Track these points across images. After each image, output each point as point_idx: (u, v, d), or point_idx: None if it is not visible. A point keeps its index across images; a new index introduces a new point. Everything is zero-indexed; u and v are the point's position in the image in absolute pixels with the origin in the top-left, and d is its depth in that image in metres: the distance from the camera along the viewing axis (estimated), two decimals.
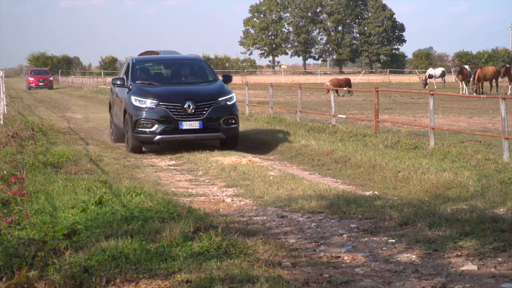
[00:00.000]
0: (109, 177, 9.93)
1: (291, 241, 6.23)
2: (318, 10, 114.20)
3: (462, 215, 6.47)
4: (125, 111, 14.30)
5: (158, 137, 13.62)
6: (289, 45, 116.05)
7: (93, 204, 7.12)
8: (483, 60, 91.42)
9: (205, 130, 13.67)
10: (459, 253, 5.38)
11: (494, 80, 38.06)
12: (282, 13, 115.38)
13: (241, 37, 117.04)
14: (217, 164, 11.95)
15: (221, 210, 8.27)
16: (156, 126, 13.61)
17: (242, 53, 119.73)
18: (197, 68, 15.64)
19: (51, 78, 64.55)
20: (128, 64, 15.59)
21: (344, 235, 6.34)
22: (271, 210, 7.90)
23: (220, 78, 15.40)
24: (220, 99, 13.95)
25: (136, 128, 13.72)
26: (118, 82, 14.82)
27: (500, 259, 5.17)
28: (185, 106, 13.54)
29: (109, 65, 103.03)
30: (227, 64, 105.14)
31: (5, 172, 9.04)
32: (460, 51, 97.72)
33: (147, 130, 13.65)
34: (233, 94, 14.44)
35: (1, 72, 23.71)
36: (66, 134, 18.32)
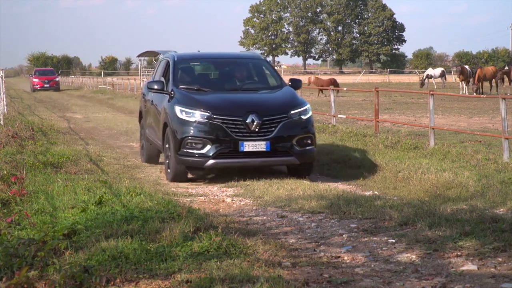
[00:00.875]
0: (109, 177, 9.93)
1: (291, 241, 6.23)
2: (318, 10, 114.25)
3: (462, 215, 6.47)
4: (165, 125, 10.79)
5: (211, 161, 10.15)
6: (289, 45, 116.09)
7: (93, 204, 7.12)
8: (483, 60, 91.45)
9: (273, 153, 10.29)
10: (459, 253, 5.38)
11: (494, 80, 38.09)
12: (282, 13, 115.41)
13: (241, 37, 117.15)
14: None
15: (221, 210, 8.27)
16: (208, 147, 10.15)
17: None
18: (256, 70, 12.09)
19: (57, 79, 58.14)
20: (167, 62, 12.04)
21: (344, 235, 6.34)
22: (271, 210, 7.90)
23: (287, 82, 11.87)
24: (292, 112, 10.51)
25: (181, 149, 10.28)
26: (156, 87, 11.24)
27: (500, 259, 5.17)
28: (247, 121, 10.13)
29: (109, 65, 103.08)
30: None
31: (5, 172, 9.04)
32: (460, 51, 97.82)
33: (196, 152, 10.18)
34: (308, 106, 10.90)
35: (1, 72, 23.70)
36: (66, 134, 18.32)
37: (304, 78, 48.27)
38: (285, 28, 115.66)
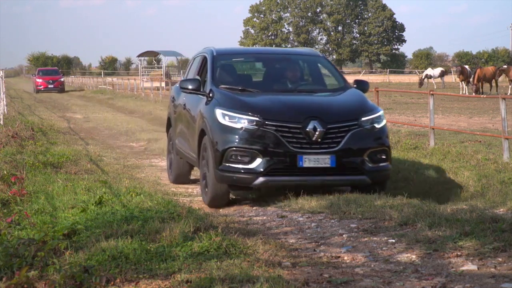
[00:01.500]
0: (109, 177, 9.93)
1: (291, 241, 6.23)
2: (318, 10, 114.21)
3: (462, 215, 6.47)
4: (201, 134, 8.85)
5: (261, 179, 8.22)
6: (289, 45, 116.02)
7: (93, 204, 7.12)
8: (483, 60, 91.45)
9: (339, 170, 8.39)
10: (459, 253, 5.38)
11: (493, 80, 38.09)
12: (282, 13, 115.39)
13: (241, 37, 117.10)
14: None
15: (221, 210, 8.27)
16: (258, 160, 8.21)
17: None
18: (313, 69, 10.14)
19: (62, 79, 54.46)
20: (204, 58, 10.08)
21: (344, 235, 6.34)
22: (271, 210, 7.90)
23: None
24: (363, 118, 8.57)
25: (223, 163, 8.30)
26: (190, 86, 9.26)
27: (500, 259, 5.17)
28: (308, 129, 8.21)
29: (109, 65, 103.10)
30: None
31: (5, 172, 9.05)
32: (460, 51, 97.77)
33: (243, 167, 8.24)
34: (381, 112, 8.97)
35: (1, 72, 23.71)
36: (66, 134, 18.33)
37: None
38: (285, 28, 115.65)
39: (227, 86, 9.15)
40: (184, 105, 10.00)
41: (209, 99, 8.90)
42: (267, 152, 8.20)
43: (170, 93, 11.42)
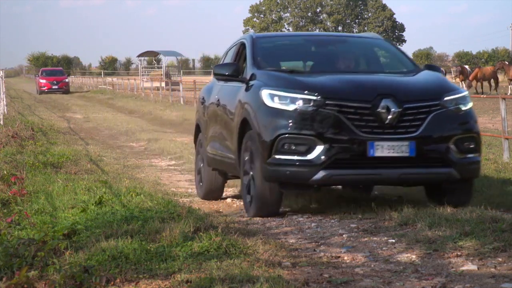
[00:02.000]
0: (109, 177, 9.94)
1: (291, 241, 6.23)
2: (318, 10, 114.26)
3: (462, 215, 6.47)
4: (243, 125, 7.40)
5: (322, 173, 6.77)
6: None
7: (93, 204, 7.12)
8: (483, 60, 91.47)
9: (420, 160, 6.95)
10: (459, 253, 5.38)
11: (493, 79, 38.14)
12: (282, 13, 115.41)
13: None
14: None
15: (221, 210, 8.27)
16: (318, 149, 6.75)
17: None
18: (375, 55, 8.64)
19: (67, 80, 51.27)
20: (242, 45, 8.57)
21: (344, 235, 6.34)
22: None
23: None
24: (446, 98, 7.16)
25: (272, 155, 6.88)
26: (227, 72, 7.92)
27: (500, 259, 5.17)
28: (379, 109, 6.77)
29: (109, 65, 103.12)
30: None
31: (5, 172, 9.05)
32: (460, 51, 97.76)
33: (298, 158, 6.81)
34: (466, 92, 7.81)
35: (1, 72, 23.71)
36: (66, 134, 18.34)
37: None
38: (285, 28, 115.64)
39: (272, 69, 7.76)
40: (218, 101, 8.42)
41: (249, 84, 7.49)
42: (329, 139, 6.71)
43: (199, 95, 9.74)
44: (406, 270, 5.06)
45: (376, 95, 6.85)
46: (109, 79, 60.68)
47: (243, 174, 7.44)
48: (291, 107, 6.90)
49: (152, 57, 67.36)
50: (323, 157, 6.74)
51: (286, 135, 6.85)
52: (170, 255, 5.24)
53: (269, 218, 7.45)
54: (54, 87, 48.93)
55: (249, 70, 7.77)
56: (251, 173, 7.21)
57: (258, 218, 7.45)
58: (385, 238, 6.10)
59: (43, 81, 49.51)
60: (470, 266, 5.03)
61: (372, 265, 5.26)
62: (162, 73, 54.53)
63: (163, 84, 42.27)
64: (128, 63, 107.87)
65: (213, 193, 9.07)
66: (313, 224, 6.93)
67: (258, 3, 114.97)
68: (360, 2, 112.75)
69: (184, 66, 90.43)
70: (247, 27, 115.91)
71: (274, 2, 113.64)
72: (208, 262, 5.07)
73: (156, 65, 67.23)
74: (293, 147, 6.83)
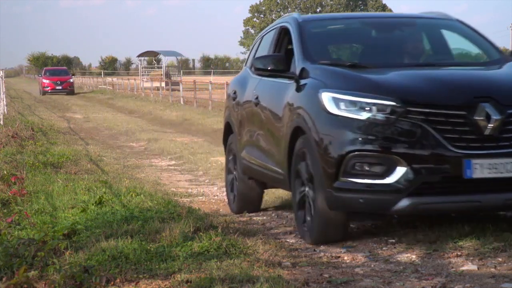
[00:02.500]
0: (109, 177, 9.94)
1: (291, 241, 6.23)
2: (318, 10, 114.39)
3: (462, 215, 6.47)
4: (294, 135, 6.01)
5: (406, 202, 5.28)
6: None
7: (93, 204, 7.12)
8: None
9: None
10: (459, 253, 5.38)
11: None
12: (282, 13, 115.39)
13: (241, 37, 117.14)
14: (217, 164, 11.95)
15: (221, 210, 8.27)
16: (400, 171, 5.28)
17: (242, 53, 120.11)
18: (446, 40, 7.00)
19: (71, 80, 48.56)
20: (283, 30, 7.09)
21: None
22: (271, 210, 7.90)
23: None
24: None
25: (340, 178, 5.43)
26: (270, 66, 6.42)
27: (500, 259, 5.17)
28: (477, 117, 5.26)
29: (109, 65, 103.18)
30: (227, 64, 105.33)
31: (5, 172, 9.05)
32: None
33: (374, 182, 5.34)
34: None
35: (1, 72, 23.72)
36: (66, 134, 18.35)
37: None
38: None
39: (328, 62, 6.27)
40: (257, 99, 6.98)
41: (300, 82, 6.07)
42: (413, 157, 5.23)
43: (229, 88, 8.35)
44: (406, 270, 5.06)
45: (472, 98, 5.31)
46: (109, 79, 60.68)
47: (295, 195, 6.08)
48: (362, 116, 5.34)
49: (152, 57, 67.40)
50: (406, 180, 5.23)
51: (358, 153, 5.31)
52: (170, 255, 5.24)
53: (269, 218, 7.45)
54: (58, 87, 46.58)
55: (298, 64, 6.24)
56: (310, 195, 5.80)
57: (258, 218, 7.45)
58: (385, 238, 6.10)
59: (46, 81, 47.13)
60: (470, 266, 5.03)
61: (372, 265, 5.26)
62: (162, 73, 54.55)
63: (163, 84, 42.28)
64: (128, 63, 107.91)
65: (249, 206, 7.80)
66: None
67: (258, 3, 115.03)
68: (360, 2, 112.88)
69: (184, 66, 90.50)
70: (247, 27, 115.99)
71: (274, 2, 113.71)
72: (208, 262, 5.07)
73: (156, 65, 67.26)
74: (367, 168, 5.31)
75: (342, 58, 6.92)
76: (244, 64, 8.43)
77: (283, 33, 7.07)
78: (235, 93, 7.91)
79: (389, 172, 5.26)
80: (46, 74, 48.31)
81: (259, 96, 6.98)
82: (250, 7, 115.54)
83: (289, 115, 6.11)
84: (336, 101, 5.52)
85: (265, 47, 7.53)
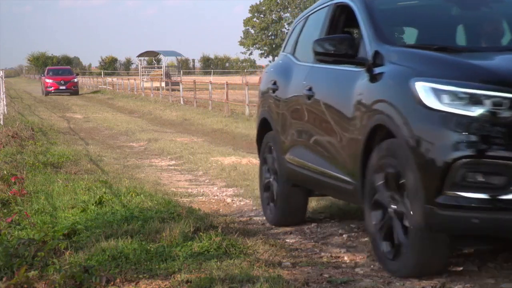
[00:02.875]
0: (109, 177, 9.93)
1: (291, 241, 6.23)
2: None
3: None
4: (372, 134, 4.88)
5: None
6: None
7: (93, 204, 7.12)
8: None
9: None
10: (459, 253, 5.38)
11: None
12: (282, 13, 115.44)
13: (241, 37, 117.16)
14: (217, 164, 11.94)
15: (221, 210, 8.27)
16: None
17: (242, 53, 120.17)
18: None
19: (76, 80, 46.71)
20: (340, 7, 5.96)
21: (344, 235, 6.34)
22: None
23: None
24: None
25: (444, 191, 4.22)
26: (334, 48, 5.26)
27: (500, 259, 5.17)
28: None
29: (109, 65, 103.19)
30: (227, 64, 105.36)
31: (5, 172, 9.05)
32: None
33: (491, 196, 4.12)
34: None
35: (1, 72, 23.72)
36: (66, 134, 18.34)
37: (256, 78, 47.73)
38: (285, 28, 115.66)
39: (409, 44, 5.34)
40: (310, 91, 5.83)
41: (378, 69, 4.97)
42: None
43: (267, 78, 7.19)
44: None
45: None
46: (109, 79, 60.67)
47: (373, 208, 4.94)
48: (474, 112, 4.21)
49: (152, 57, 67.41)
50: None
51: (470, 159, 4.18)
52: (170, 255, 5.24)
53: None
54: (61, 87, 44.73)
55: (370, 47, 5.17)
56: (392, 207, 4.72)
57: (258, 218, 7.44)
58: None
59: (49, 81, 45.14)
60: (470, 266, 5.03)
61: (372, 265, 5.26)
62: (162, 73, 54.55)
63: (163, 84, 42.27)
64: (128, 63, 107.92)
65: (292, 216, 6.78)
66: (313, 224, 6.92)
67: (258, 3, 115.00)
68: None
69: (184, 66, 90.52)
70: (247, 27, 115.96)
71: (274, 2, 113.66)
72: (208, 262, 5.07)
73: (156, 65, 67.26)
74: (483, 179, 4.18)
75: (426, 39, 5.43)
76: (281, 50, 7.29)
77: (339, 11, 5.93)
78: (275, 83, 6.75)
79: (510, 184, 4.11)
80: (49, 74, 46.56)
81: (313, 88, 5.81)
82: (250, 7, 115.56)
83: (363, 111, 4.99)
84: (437, 93, 4.35)
85: (313, 29, 6.36)
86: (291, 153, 6.35)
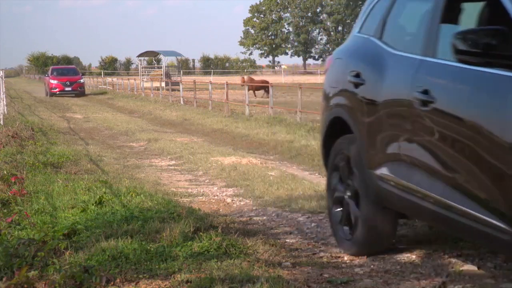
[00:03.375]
0: (109, 177, 9.93)
1: (291, 241, 6.23)
2: (318, 10, 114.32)
3: None
4: None
5: None
6: (289, 45, 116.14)
7: (93, 204, 7.12)
8: None
9: None
10: (459, 253, 5.38)
11: None
12: (282, 13, 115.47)
13: (241, 37, 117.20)
14: (217, 164, 11.94)
15: (221, 210, 8.27)
16: None
17: (242, 53, 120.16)
18: None
19: (82, 81, 44.01)
20: None
21: None
22: (271, 210, 7.90)
23: None
24: None
25: None
26: (496, 46, 3.69)
27: (500, 259, 5.17)
28: None
29: (109, 65, 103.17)
30: (227, 64, 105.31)
31: (5, 172, 9.05)
32: None
33: None
34: None
35: (1, 72, 23.71)
36: (66, 134, 18.34)
37: (238, 78, 47.44)
38: (285, 28, 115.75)
39: None
40: (426, 94, 4.38)
41: None
42: None
43: (338, 65, 5.93)
44: (406, 270, 5.06)
45: None
46: (109, 79, 60.63)
47: None
48: None
49: (152, 57, 67.36)
50: None
51: None
52: (170, 255, 5.24)
53: (269, 218, 7.43)
54: (67, 88, 41.84)
55: None
56: None
57: (258, 218, 7.45)
58: None
59: (54, 81, 42.06)
60: (470, 266, 5.03)
61: (372, 265, 5.26)
62: (162, 73, 54.53)
63: (163, 84, 42.26)
64: (128, 63, 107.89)
65: (377, 245, 5.41)
66: (313, 224, 6.92)
67: (258, 3, 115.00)
68: (360, 2, 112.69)
69: (184, 66, 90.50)
70: (247, 27, 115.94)
71: (274, 2, 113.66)
72: (208, 262, 5.07)
73: (156, 65, 67.25)
74: None
75: None
76: (356, 30, 5.93)
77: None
78: (358, 76, 5.32)
79: None
80: (53, 74, 43.37)
81: (432, 91, 4.34)
82: (250, 7, 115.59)
83: None
84: None
85: (417, 8, 5.13)
86: (386, 169, 4.90)
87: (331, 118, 5.80)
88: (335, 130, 5.75)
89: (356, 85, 5.33)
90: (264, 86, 34.61)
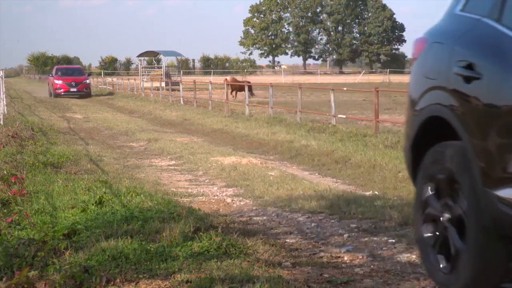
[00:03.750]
0: (109, 177, 9.93)
1: (291, 241, 6.23)
2: (318, 10, 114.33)
3: None
4: None
5: None
6: (289, 45, 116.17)
7: (93, 204, 7.12)
8: None
9: None
10: None
11: None
12: (282, 13, 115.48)
13: (241, 37, 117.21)
14: (217, 164, 11.94)
15: (221, 210, 8.27)
16: None
17: (242, 53, 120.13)
18: None
19: (88, 81, 42.05)
20: None
21: (344, 235, 6.34)
22: (271, 210, 7.90)
23: None
24: None
25: None
26: None
27: None
28: None
29: (109, 65, 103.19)
30: (227, 64, 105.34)
31: (5, 172, 9.05)
32: None
33: None
34: None
35: (1, 72, 23.71)
36: (66, 134, 18.34)
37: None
38: (285, 28, 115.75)
39: None
40: None
41: None
42: None
43: (436, 50, 4.61)
44: (406, 270, 5.06)
45: None
46: (109, 79, 60.62)
47: None
48: None
49: (152, 57, 67.34)
50: None
51: None
52: (170, 255, 5.24)
53: (269, 218, 7.44)
54: (72, 89, 40.14)
55: None
56: None
57: (258, 218, 7.45)
58: (385, 238, 6.10)
59: (59, 82, 40.42)
60: None
61: (372, 265, 5.26)
62: (162, 73, 54.52)
63: (163, 84, 42.25)
64: (128, 63, 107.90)
65: (487, 282, 4.03)
66: (313, 224, 6.92)
67: (258, 3, 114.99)
68: (360, 2, 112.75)
69: (184, 66, 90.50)
70: (247, 27, 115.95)
71: (274, 2, 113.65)
72: (208, 262, 5.07)
73: (156, 65, 67.25)
74: None
75: None
76: (458, 9, 4.63)
77: None
78: (470, 67, 4.07)
79: None
80: (58, 74, 41.71)
81: None
82: (250, 7, 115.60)
83: None
84: None
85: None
86: None
87: (426, 117, 4.50)
88: (431, 133, 4.51)
89: (468, 79, 4.06)
90: (244, 86, 34.18)
